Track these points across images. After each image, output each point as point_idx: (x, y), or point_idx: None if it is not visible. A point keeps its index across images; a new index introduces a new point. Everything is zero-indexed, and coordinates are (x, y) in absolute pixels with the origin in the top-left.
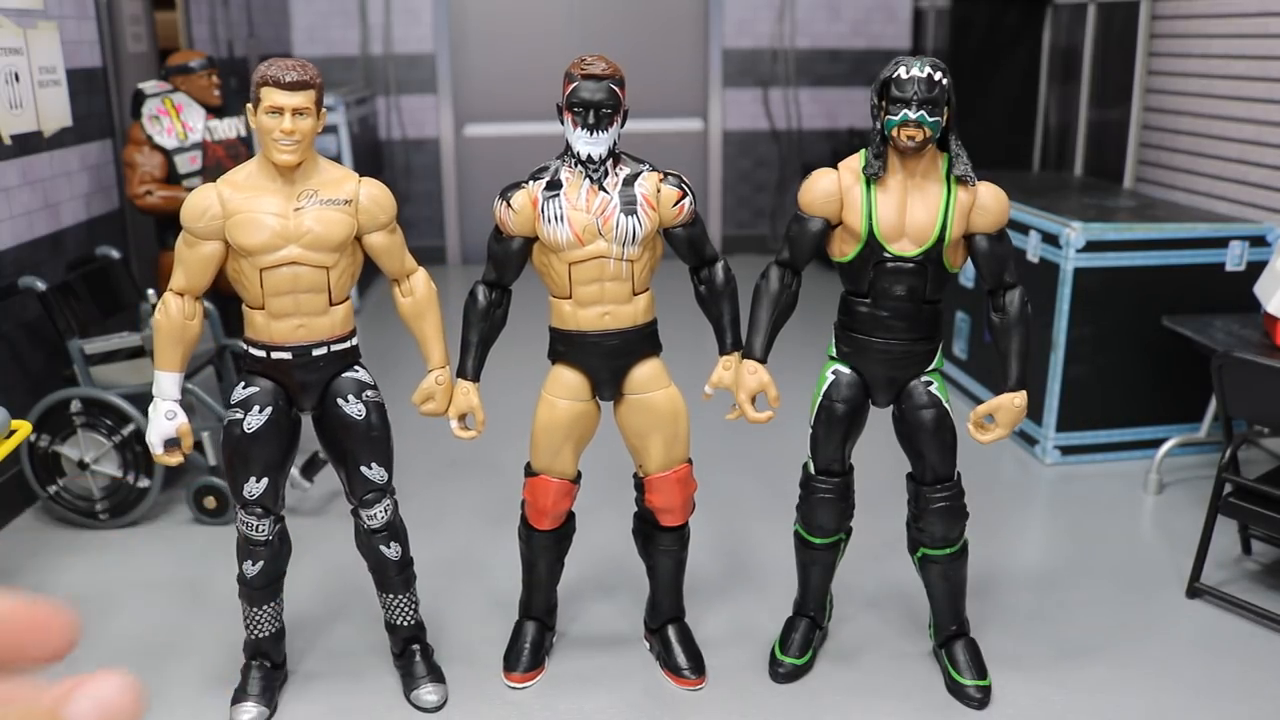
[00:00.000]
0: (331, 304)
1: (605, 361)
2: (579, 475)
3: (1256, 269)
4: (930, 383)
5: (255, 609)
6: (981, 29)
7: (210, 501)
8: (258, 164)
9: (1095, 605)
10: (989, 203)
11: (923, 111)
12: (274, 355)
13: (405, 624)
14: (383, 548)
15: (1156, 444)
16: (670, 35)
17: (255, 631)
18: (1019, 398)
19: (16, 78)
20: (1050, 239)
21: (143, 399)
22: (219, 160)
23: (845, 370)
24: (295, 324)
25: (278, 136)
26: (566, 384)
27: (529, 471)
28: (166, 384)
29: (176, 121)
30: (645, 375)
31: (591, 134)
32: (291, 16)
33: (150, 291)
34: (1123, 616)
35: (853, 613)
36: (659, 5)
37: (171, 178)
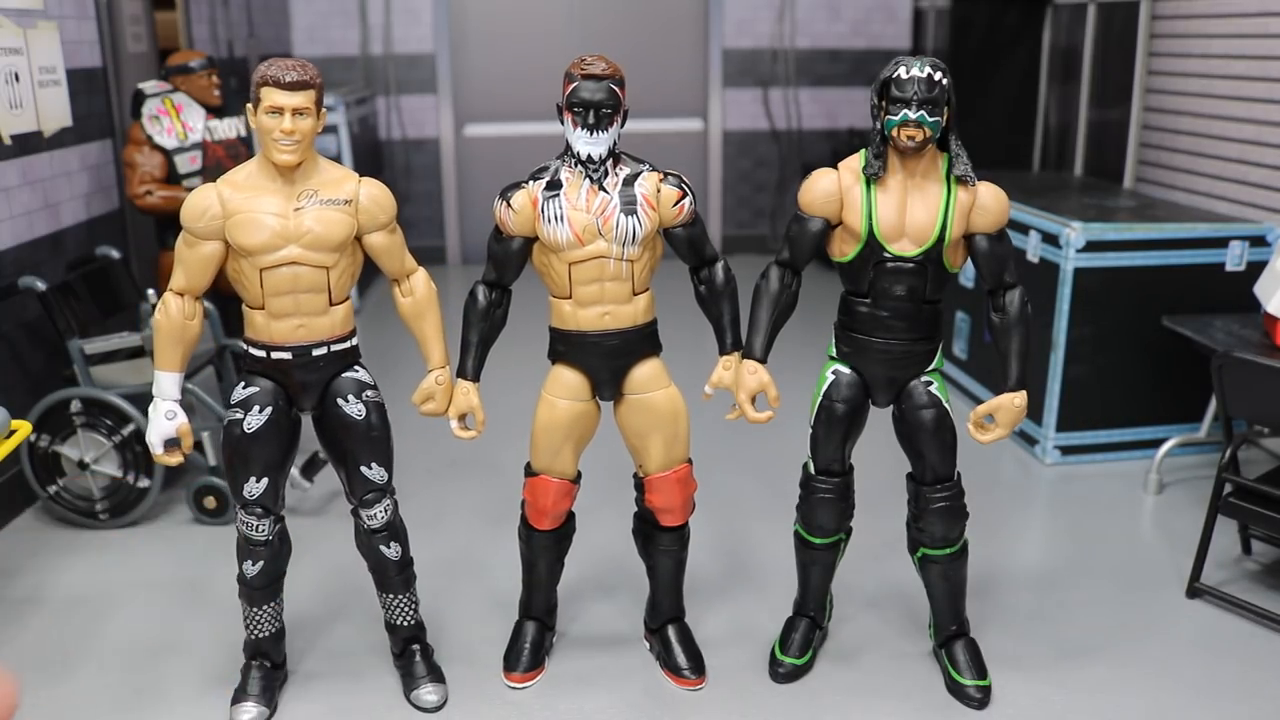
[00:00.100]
0: (331, 304)
1: (605, 361)
2: (579, 475)
3: (1256, 269)
4: (930, 383)
5: (255, 609)
6: (981, 29)
7: (210, 501)
8: (258, 164)
9: (1095, 605)
10: (989, 203)
11: (923, 111)
12: (274, 355)
13: (405, 624)
14: (383, 548)
15: (1156, 444)
16: (670, 35)
17: (255, 631)
18: (1019, 398)
19: (16, 78)
20: (1050, 239)
21: (143, 399)
22: (219, 160)
23: (845, 370)
24: (295, 324)
25: (278, 136)
26: (566, 384)
27: (529, 471)
28: (166, 384)
29: (176, 121)
30: (645, 375)
31: (591, 134)
32: (291, 16)
33: (150, 291)
34: (1123, 616)
35: (853, 613)
36: (659, 5)
37: (171, 178)
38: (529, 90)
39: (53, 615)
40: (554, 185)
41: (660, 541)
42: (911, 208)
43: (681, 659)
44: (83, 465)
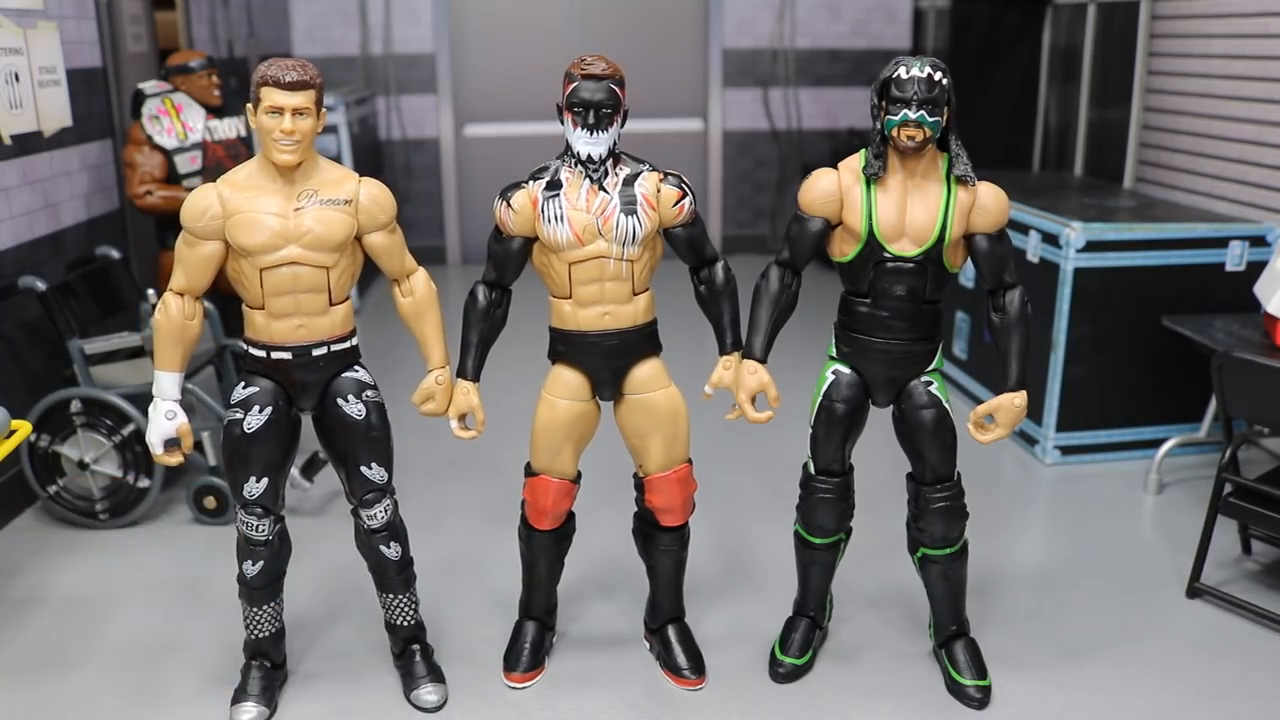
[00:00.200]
0: (331, 304)
1: (605, 361)
2: (579, 475)
3: (1256, 269)
4: (930, 383)
5: (255, 609)
6: (981, 29)
7: (210, 501)
8: (258, 164)
9: (1095, 605)
10: (989, 203)
11: (923, 111)
12: (274, 355)
13: (405, 624)
14: (383, 548)
15: (1156, 444)
16: (670, 35)
17: (255, 631)
18: (1019, 398)
19: (16, 78)
20: (1050, 239)
21: (143, 399)
22: (219, 160)
23: (845, 370)
24: (295, 324)
25: (278, 136)
26: (566, 384)
27: (529, 471)
28: (166, 384)
29: (176, 121)
30: (645, 375)
31: (591, 134)
32: (291, 16)
33: (150, 291)
34: (1123, 616)
35: (853, 613)
36: (659, 5)
37: (171, 178)
38: (529, 90)
39: (53, 615)
40: (554, 185)
41: (660, 541)
42: (911, 208)
43: (681, 659)
44: (83, 465)
